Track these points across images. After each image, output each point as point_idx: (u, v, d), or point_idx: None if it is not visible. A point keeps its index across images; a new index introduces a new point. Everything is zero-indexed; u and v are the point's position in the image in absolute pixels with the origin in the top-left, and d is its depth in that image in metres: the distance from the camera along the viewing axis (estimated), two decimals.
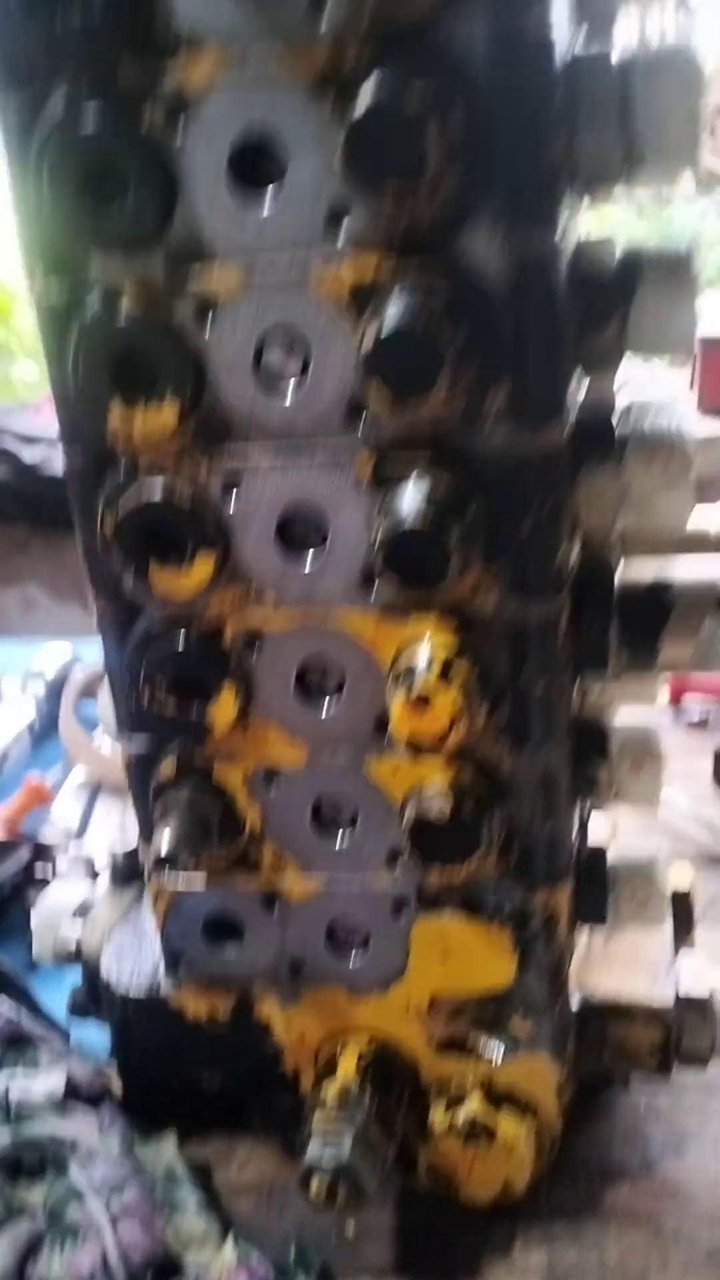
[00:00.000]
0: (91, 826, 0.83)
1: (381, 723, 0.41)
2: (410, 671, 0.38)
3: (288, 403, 0.37)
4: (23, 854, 0.76)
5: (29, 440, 2.01)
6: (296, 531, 0.39)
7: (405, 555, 0.36)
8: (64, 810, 0.85)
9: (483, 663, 0.39)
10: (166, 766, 0.44)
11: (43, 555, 1.94)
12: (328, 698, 0.42)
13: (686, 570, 0.42)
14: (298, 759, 0.43)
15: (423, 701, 0.37)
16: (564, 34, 0.33)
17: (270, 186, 0.34)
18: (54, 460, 1.92)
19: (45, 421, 2.02)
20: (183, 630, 0.41)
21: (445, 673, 0.37)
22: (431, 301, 0.33)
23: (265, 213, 0.35)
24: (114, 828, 0.84)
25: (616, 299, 0.36)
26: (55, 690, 1.01)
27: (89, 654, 1.05)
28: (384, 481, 0.37)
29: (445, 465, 0.36)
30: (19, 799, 0.85)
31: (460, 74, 0.31)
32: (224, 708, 0.42)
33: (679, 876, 0.51)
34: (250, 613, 0.41)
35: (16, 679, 1.03)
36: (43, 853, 0.78)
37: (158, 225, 0.35)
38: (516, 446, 0.36)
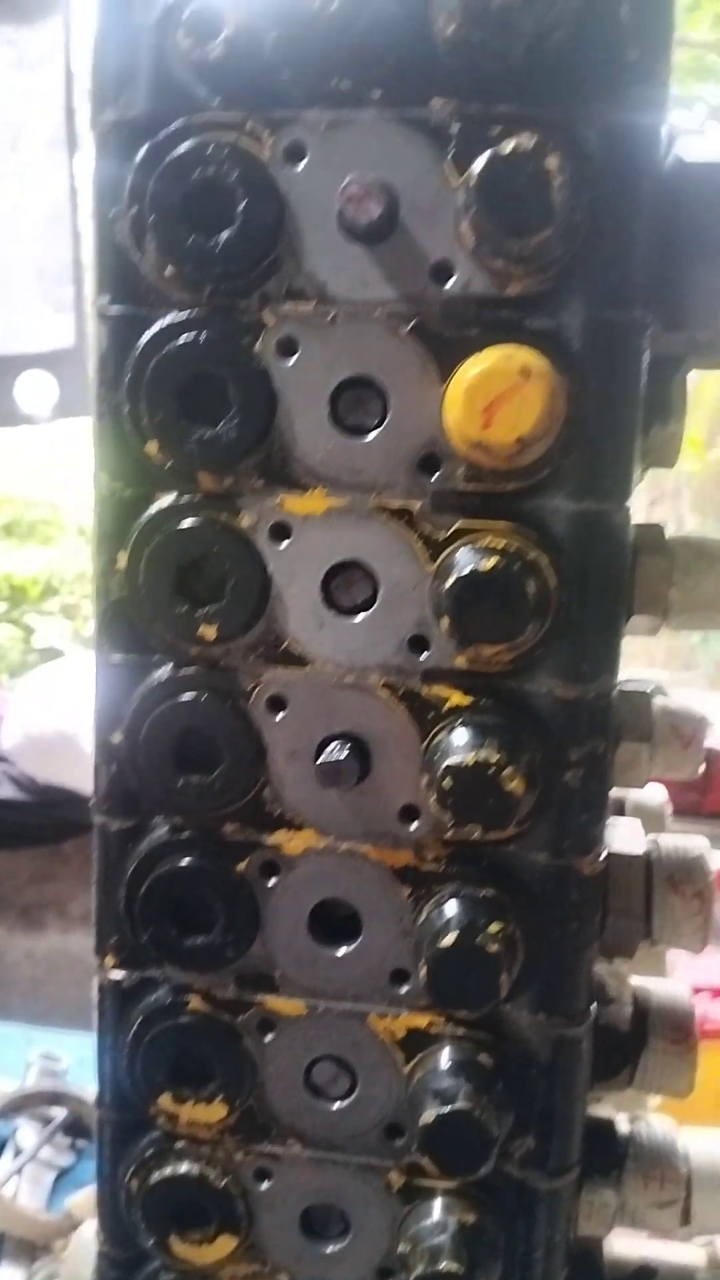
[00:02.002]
0: None
1: None
2: None
3: (332, 1116, 0.40)
4: None
5: None
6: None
7: None
8: None
9: None
10: None
11: None
12: None
13: (668, 1252, 0.46)
14: None
15: None
16: None
17: (344, 947, 0.39)
18: None
19: None
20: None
21: None
22: (479, 1059, 0.38)
23: (339, 954, 0.39)
24: None
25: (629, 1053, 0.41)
26: None
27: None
28: (412, 1193, 0.40)
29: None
30: None
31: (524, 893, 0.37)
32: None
33: None
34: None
35: None
36: None
37: None
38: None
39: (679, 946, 0.40)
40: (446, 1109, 0.37)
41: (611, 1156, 0.43)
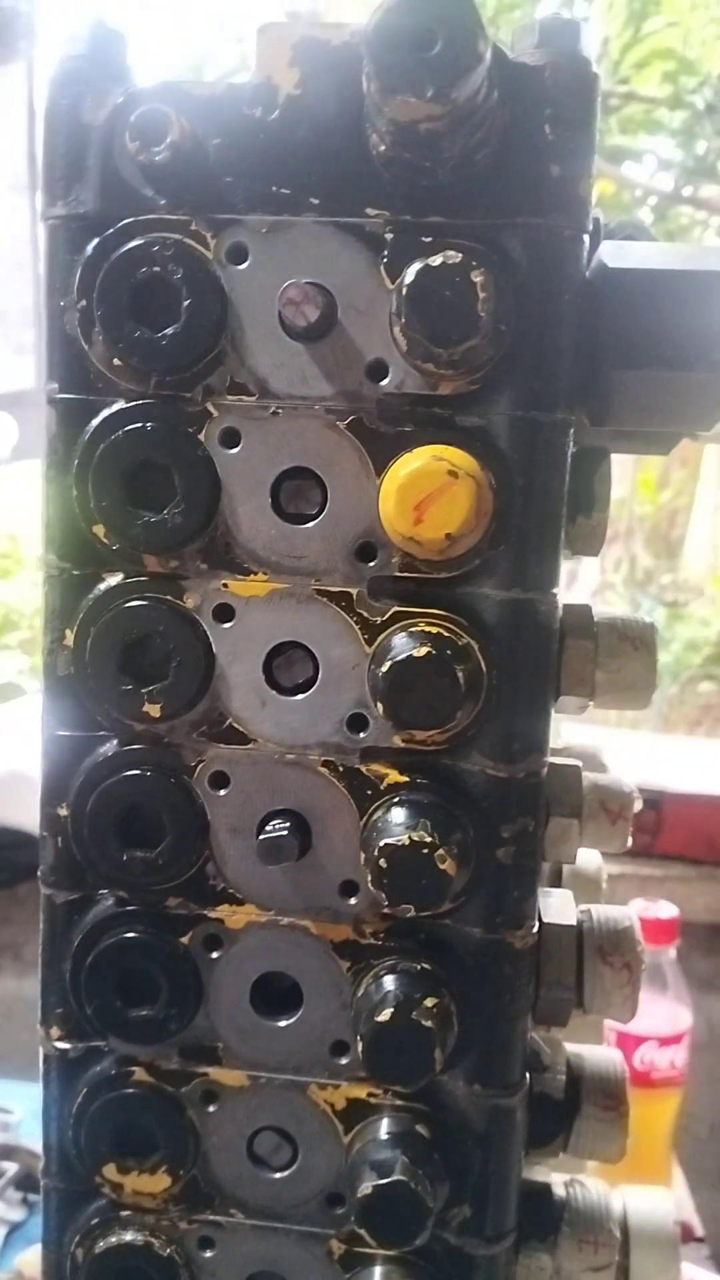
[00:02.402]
0: None
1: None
2: None
3: (274, 1185, 0.41)
4: None
5: None
6: None
7: None
8: None
9: None
10: None
11: None
12: None
13: None
14: None
15: None
16: None
17: (285, 1019, 0.40)
18: None
19: None
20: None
21: None
22: (416, 1129, 0.39)
23: (281, 1025, 0.40)
24: None
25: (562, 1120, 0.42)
26: None
27: None
28: (352, 1260, 0.41)
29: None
30: None
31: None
32: None
33: None
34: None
35: None
36: None
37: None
38: None
39: (608, 1016, 0.42)
40: (383, 1180, 0.37)
41: (547, 1221, 0.44)
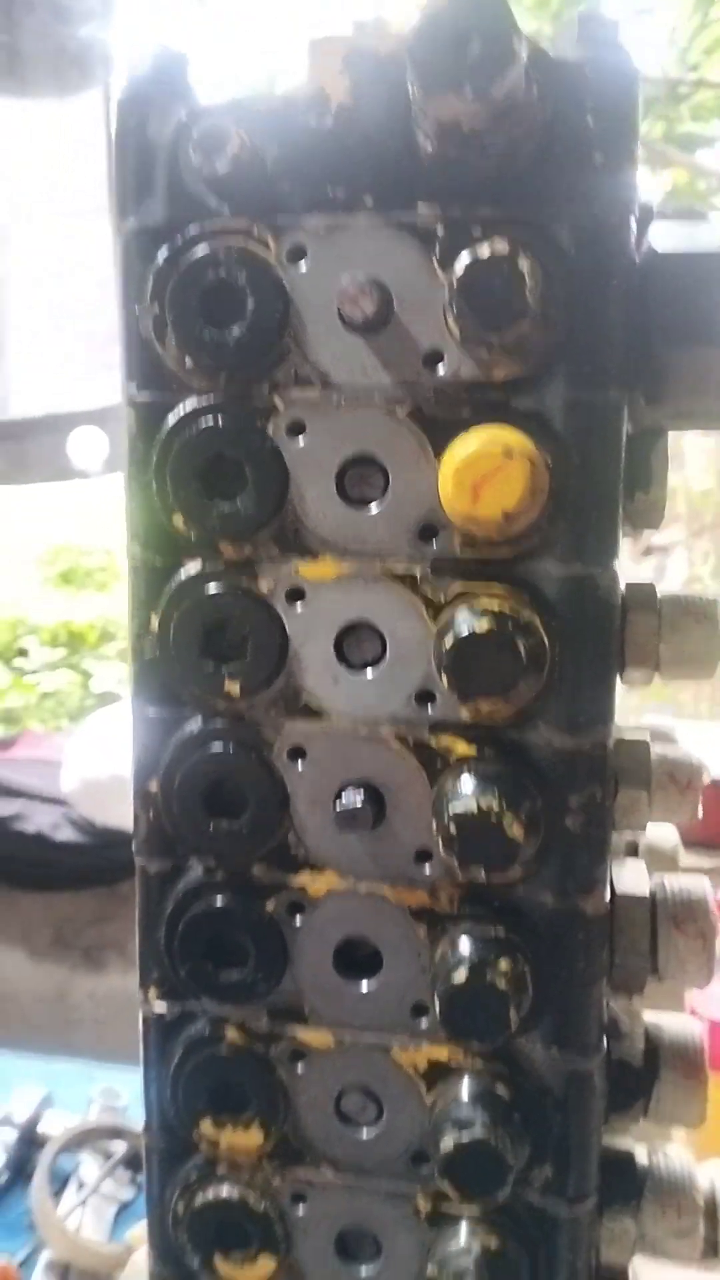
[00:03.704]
0: None
1: None
2: None
3: (361, 1143, 0.43)
4: None
5: (3, 791, 2.03)
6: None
7: None
8: None
9: None
10: None
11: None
12: None
13: None
14: None
15: None
16: None
17: (367, 982, 0.42)
18: (32, 815, 1.95)
19: (24, 769, 2.07)
20: None
21: None
22: (496, 1091, 0.40)
23: (363, 989, 0.42)
24: None
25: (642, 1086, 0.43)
26: (26, 1138, 1.01)
27: (60, 1095, 1.05)
28: (439, 1219, 0.43)
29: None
30: None
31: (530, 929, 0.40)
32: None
33: None
34: None
35: None
36: None
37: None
38: None
39: (684, 983, 0.42)
40: (464, 1137, 0.39)
41: (630, 1186, 0.45)
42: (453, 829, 0.37)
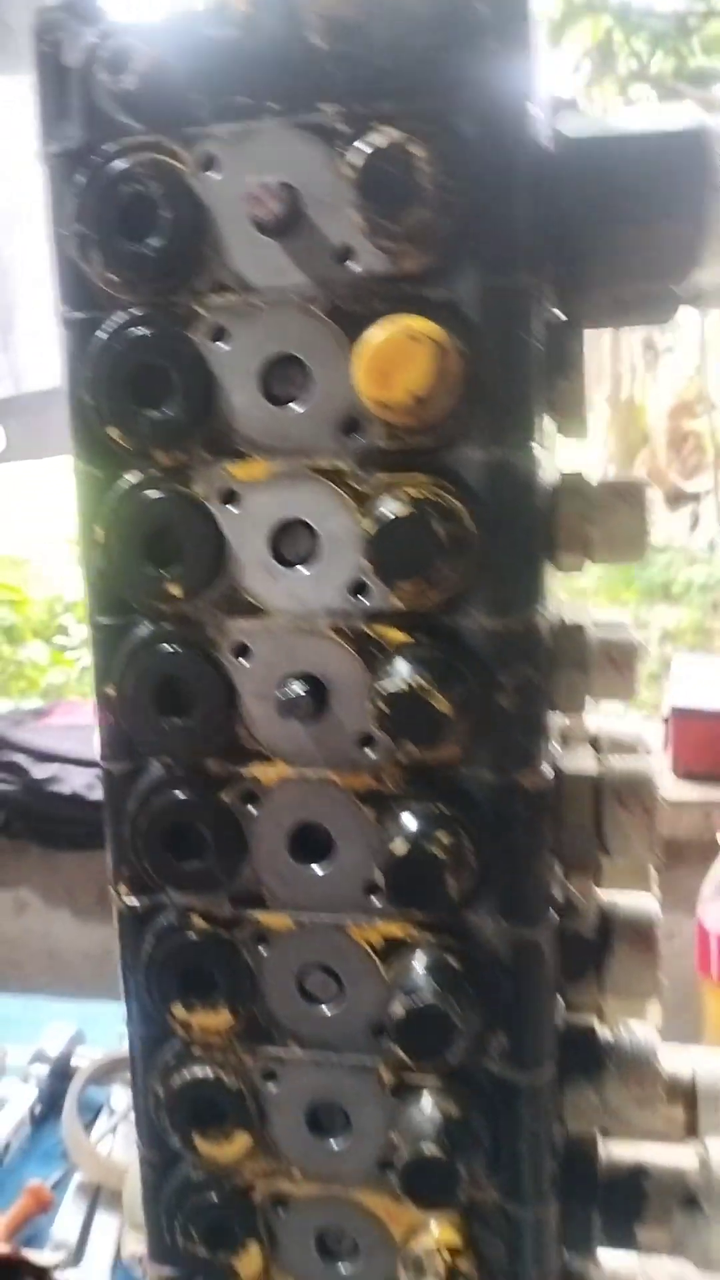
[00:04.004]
0: (89, 1249, 0.85)
1: None
2: (419, 1264, 0.44)
3: (325, 1019, 0.45)
4: None
5: (41, 757, 2.06)
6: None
7: None
8: (65, 1222, 0.87)
9: None
10: None
11: (39, 862, 1.98)
12: None
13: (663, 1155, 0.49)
14: None
15: None
16: None
17: (320, 864, 0.44)
18: (67, 778, 1.99)
19: (60, 735, 2.11)
20: (213, 1191, 0.47)
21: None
22: (447, 961, 0.42)
23: (318, 871, 0.44)
24: (113, 1244, 0.86)
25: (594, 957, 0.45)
26: (59, 1072, 1.04)
27: (93, 1033, 1.09)
28: (403, 1090, 0.45)
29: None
30: (19, 1206, 0.87)
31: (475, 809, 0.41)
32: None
33: None
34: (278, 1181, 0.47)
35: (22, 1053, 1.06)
36: (42, 1276, 0.80)
37: None
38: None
39: (630, 857, 0.44)
40: (413, 1002, 0.41)
41: (592, 1059, 0.47)
42: (384, 707, 0.39)
